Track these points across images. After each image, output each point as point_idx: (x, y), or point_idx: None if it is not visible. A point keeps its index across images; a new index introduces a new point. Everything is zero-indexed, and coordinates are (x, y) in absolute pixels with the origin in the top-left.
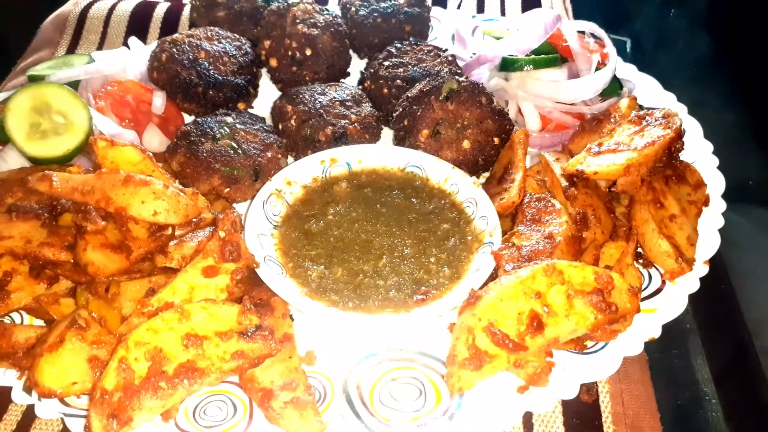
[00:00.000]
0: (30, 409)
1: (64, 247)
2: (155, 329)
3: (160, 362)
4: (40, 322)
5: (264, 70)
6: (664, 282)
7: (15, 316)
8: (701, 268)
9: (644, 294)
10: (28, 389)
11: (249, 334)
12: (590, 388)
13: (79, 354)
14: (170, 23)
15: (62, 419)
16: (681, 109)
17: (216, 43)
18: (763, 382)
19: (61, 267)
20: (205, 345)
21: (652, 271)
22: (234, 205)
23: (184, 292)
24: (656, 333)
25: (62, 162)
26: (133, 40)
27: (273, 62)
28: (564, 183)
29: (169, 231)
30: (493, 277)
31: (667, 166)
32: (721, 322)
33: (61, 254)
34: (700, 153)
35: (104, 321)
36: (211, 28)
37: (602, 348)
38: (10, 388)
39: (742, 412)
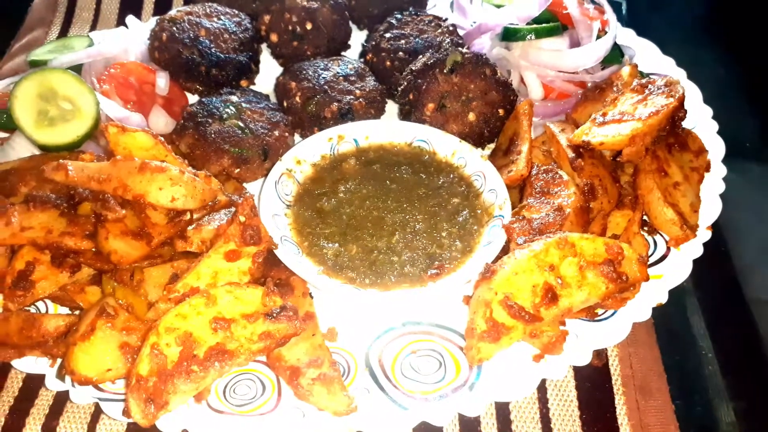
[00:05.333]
0: (60, 394)
1: (85, 236)
2: (184, 314)
3: (190, 346)
4: (65, 310)
5: (264, 46)
6: (669, 248)
7: (39, 304)
8: (704, 234)
9: (650, 261)
10: (61, 376)
11: (274, 315)
12: (600, 353)
13: (111, 341)
14: None
15: (96, 403)
16: (680, 74)
17: (215, 19)
18: (755, 332)
19: (82, 255)
20: (232, 327)
21: (657, 237)
22: (245, 185)
23: (208, 276)
24: (663, 298)
25: (72, 148)
26: (130, 19)
27: (273, 37)
28: (570, 154)
29: (188, 216)
30: (505, 250)
31: (670, 134)
32: (716, 279)
33: (82, 243)
34: (700, 118)
35: (131, 308)
36: (209, 3)
37: (612, 315)
38: (39, 375)
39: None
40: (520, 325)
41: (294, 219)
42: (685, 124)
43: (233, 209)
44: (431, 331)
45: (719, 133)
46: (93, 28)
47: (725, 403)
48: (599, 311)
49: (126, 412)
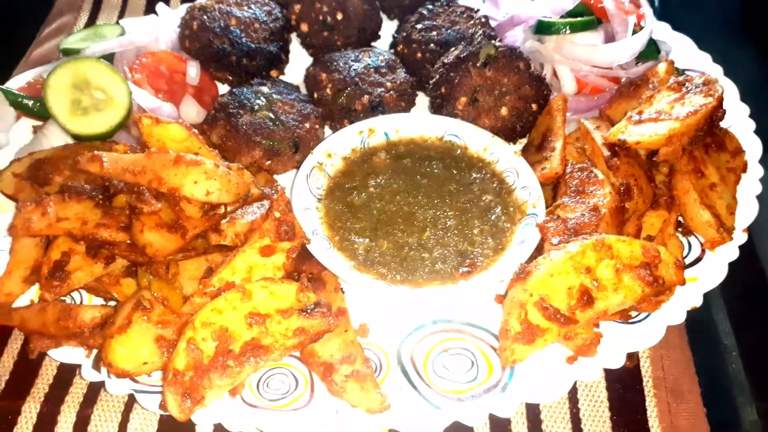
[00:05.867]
0: (94, 382)
1: (120, 228)
2: (219, 309)
3: (226, 341)
4: (100, 301)
5: (294, 35)
6: (704, 251)
7: (75, 295)
8: (740, 237)
9: (685, 263)
10: (97, 367)
11: (308, 311)
12: (632, 355)
13: (147, 334)
14: None
15: (130, 393)
16: (717, 71)
17: (246, 8)
18: None
19: (117, 247)
20: (267, 323)
21: (692, 239)
22: (275, 176)
23: (243, 271)
24: (698, 302)
25: (105, 138)
26: (161, 6)
27: (304, 27)
28: (606, 152)
29: (222, 209)
30: (539, 248)
31: (707, 134)
32: (749, 281)
33: (117, 235)
34: (736, 117)
35: (167, 301)
36: None
37: (646, 318)
38: (73, 364)
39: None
40: (555, 327)
41: (325, 213)
42: (721, 123)
43: (266, 202)
44: (463, 329)
45: (756, 132)
46: (122, 14)
47: (754, 406)
48: (633, 314)
49: (163, 406)
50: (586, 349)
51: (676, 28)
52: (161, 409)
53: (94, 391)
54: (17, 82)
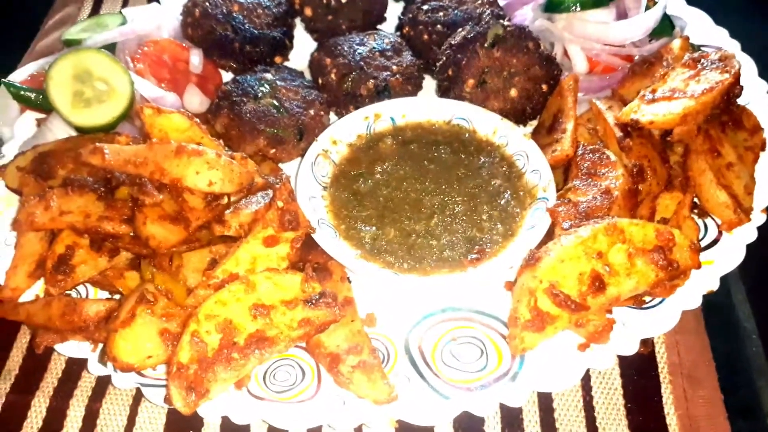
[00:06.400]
0: (102, 376)
1: (123, 220)
2: (223, 301)
3: (230, 334)
4: (105, 295)
5: (298, 20)
6: (720, 233)
7: (80, 289)
8: (759, 217)
9: (701, 245)
10: (103, 362)
11: (313, 301)
12: (646, 341)
13: (151, 328)
14: None
15: (138, 388)
16: (734, 46)
17: None
18: None
19: (121, 240)
20: (272, 314)
21: (708, 221)
22: (280, 165)
23: (247, 262)
24: (714, 285)
25: (108, 129)
26: None
27: (308, 11)
28: (618, 133)
29: (225, 200)
30: (549, 234)
31: (724, 112)
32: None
33: (120, 227)
34: (755, 93)
35: (171, 294)
36: None
37: (661, 303)
38: (82, 359)
39: None
40: (566, 314)
41: (331, 201)
42: (739, 100)
43: (270, 192)
44: (472, 317)
45: None
46: (125, 3)
47: None
48: (647, 299)
49: (167, 400)
50: (599, 336)
51: (691, 3)
52: (166, 403)
53: (103, 384)
54: (20, 75)
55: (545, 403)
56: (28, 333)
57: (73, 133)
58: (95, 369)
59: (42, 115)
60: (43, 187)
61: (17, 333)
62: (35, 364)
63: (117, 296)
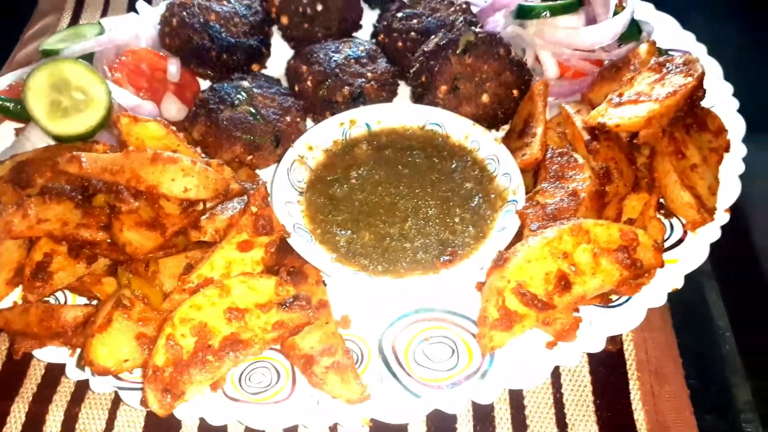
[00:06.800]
0: (81, 381)
1: (100, 227)
2: (198, 305)
3: (205, 337)
4: (83, 300)
5: (275, 28)
6: (685, 232)
7: (58, 295)
8: (722, 217)
9: (666, 244)
10: (81, 366)
11: (287, 304)
12: (615, 338)
13: (127, 332)
14: None
15: (116, 392)
16: (700, 50)
17: (225, 3)
18: None
19: (98, 246)
20: (246, 317)
21: (674, 221)
22: (257, 171)
23: (222, 267)
24: (679, 283)
25: (86, 138)
26: (141, 4)
27: (284, 20)
28: (586, 136)
29: (201, 206)
30: (519, 235)
31: (688, 115)
32: (736, 260)
33: (97, 234)
34: (720, 96)
35: (147, 299)
36: None
37: (627, 301)
38: (61, 364)
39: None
40: (533, 313)
41: (307, 206)
42: (704, 102)
43: (246, 198)
44: (444, 318)
45: (740, 111)
46: (104, 13)
47: (742, 385)
48: (613, 297)
49: (144, 402)
50: (565, 334)
51: (661, 7)
52: (142, 405)
53: (82, 389)
54: None
55: (516, 400)
56: (7, 340)
57: (52, 143)
58: (73, 374)
59: (20, 125)
60: (21, 196)
61: None
62: (14, 370)
63: (95, 302)
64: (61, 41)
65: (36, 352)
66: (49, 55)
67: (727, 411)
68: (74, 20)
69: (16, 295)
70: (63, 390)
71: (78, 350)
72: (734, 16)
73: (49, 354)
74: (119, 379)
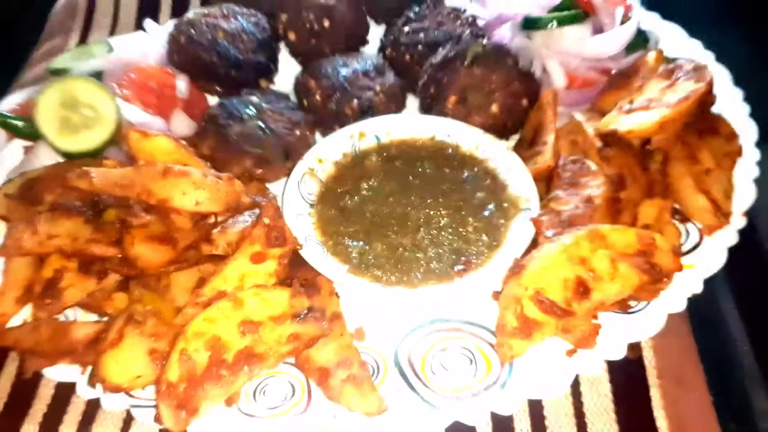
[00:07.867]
0: (92, 400)
1: (111, 243)
2: (211, 319)
3: (219, 351)
4: (94, 317)
5: (282, 44)
6: (702, 236)
7: (68, 312)
8: (739, 221)
9: (683, 250)
10: (92, 384)
11: (302, 316)
12: (634, 345)
13: (140, 348)
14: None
15: (128, 411)
16: (708, 57)
17: (233, 20)
18: None
19: (109, 262)
20: (260, 330)
21: (689, 226)
22: (267, 185)
23: (235, 279)
24: (698, 288)
25: (95, 155)
26: (148, 23)
27: (291, 36)
28: (598, 143)
29: (212, 219)
30: (534, 243)
31: (700, 120)
32: (752, 265)
33: (108, 250)
34: (730, 102)
35: (159, 313)
36: (226, 4)
37: (646, 307)
38: (71, 382)
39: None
40: (552, 320)
41: (318, 218)
42: (714, 108)
43: (257, 211)
44: (460, 328)
45: (752, 116)
46: (112, 32)
47: (763, 391)
48: (632, 303)
49: (158, 419)
50: (585, 341)
51: (667, 17)
52: (156, 422)
53: (93, 408)
54: (7, 104)
55: (536, 411)
56: (17, 359)
57: (60, 160)
58: (84, 392)
59: (29, 143)
60: (31, 213)
61: (5, 359)
62: (24, 390)
63: (105, 318)
64: (70, 60)
65: (46, 371)
66: (58, 74)
67: (749, 417)
68: (82, 41)
69: (27, 313)
70: (74, 410)
71: (89, 368)
72: (740, 24)
73: (59, 372)
74: (131, 396)
